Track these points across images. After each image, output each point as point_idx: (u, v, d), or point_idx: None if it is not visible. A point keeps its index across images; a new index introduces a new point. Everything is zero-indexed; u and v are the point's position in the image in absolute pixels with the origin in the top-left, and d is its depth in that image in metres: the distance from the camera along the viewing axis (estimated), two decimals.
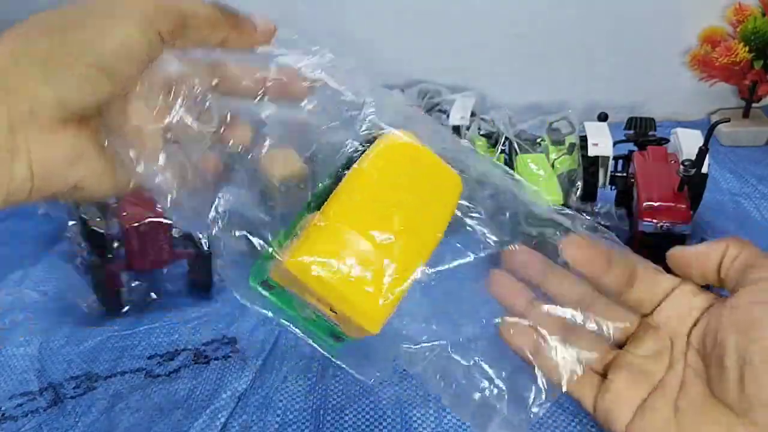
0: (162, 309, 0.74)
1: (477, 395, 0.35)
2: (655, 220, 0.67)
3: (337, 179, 0.34)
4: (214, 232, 0.33)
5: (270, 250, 0.32)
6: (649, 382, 0.33)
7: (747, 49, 0.96)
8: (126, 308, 0.74)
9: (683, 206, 0.68)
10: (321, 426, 0.59)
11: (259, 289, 0.35)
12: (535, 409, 0.35)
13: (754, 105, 1.05)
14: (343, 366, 0.35)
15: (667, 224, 0.67)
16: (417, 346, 0.36)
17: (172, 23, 0.30)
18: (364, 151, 0.34)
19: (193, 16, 0.31)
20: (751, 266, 0.31)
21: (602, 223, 0.74)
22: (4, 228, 0.91)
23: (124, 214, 0.71)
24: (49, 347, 0.70)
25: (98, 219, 0.73)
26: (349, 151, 0.35)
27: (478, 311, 0.37)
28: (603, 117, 0.82)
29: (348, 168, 0.34)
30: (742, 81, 1.01)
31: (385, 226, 0.33)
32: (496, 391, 0.35)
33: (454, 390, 0.35)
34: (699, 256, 0.33)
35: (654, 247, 0.69)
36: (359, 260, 0.32)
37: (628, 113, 0.83)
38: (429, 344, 0.36)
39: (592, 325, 0.35)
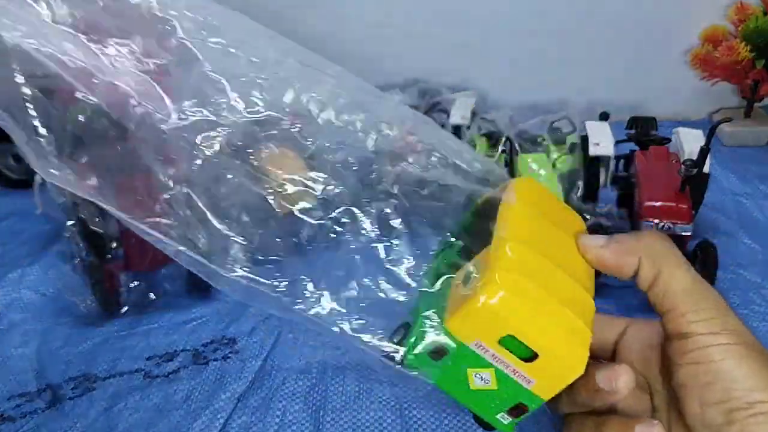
0: (161, 309, 0.74)
1: None
2: (656, 221, 0.67)
3: (479, 216, 0.33)
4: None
5: (460, 291, 0.29)
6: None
7: (749, 48, 0.96)
8: (125, 309, 0.74)
9: (685, 206, 0.67)
10: (320, 426, 0.59)
11: (424, 365, 0.30)
12: None
13: (755, 104, 1.05)
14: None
15: (669, 224, 0.67)
16: None
17: None
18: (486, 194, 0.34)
19: None
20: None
21: (603, 223, 0.74)
22: (2, 228, 0.91)
23: None
24: (47, 348, 0.70)
25: (97, 219, 0.72)
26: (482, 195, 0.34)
27: None
28: (604, 116, 0.82)
29: (485, 208, 0.33)
30: (743, 80, 1.01)
31: (556, 261, 0.30)
32: None
33: None
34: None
35: None
36: (552, 294, 0.29)
37: (629, 113, 0.83)
38: None
39: None
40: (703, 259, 0.68)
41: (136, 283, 0.76)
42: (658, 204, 0.68)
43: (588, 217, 0.75)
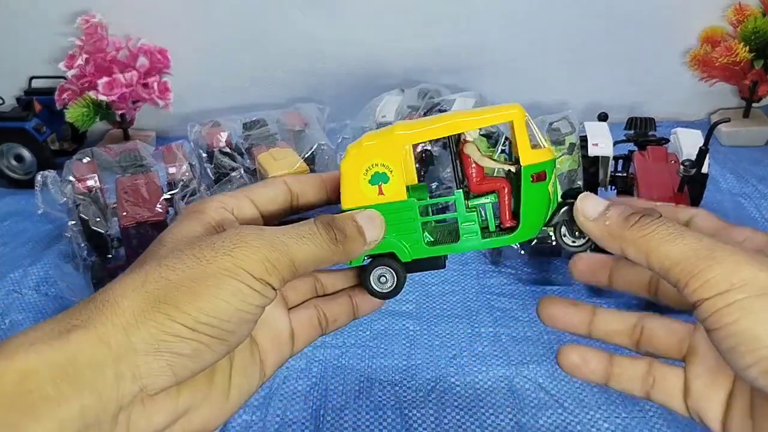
0: None
1: None
2: None
3: None
4: None
5: None
6: (726, 375, 0.33)
7: (747, 49, 0.96)
8: None
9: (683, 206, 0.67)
10: (321, 426, 0.59)
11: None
12: None
13: (754, 105, 1.05)
14: None
15: None
16: None
17: (283, 277, 0.30)
18: None
19: (302, 266, 0.31)
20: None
21: None
22: (4, 228, 0.91)
23: (124, 214, 0.70)
24: None
25: (98, 219, 0.73)
26: None
27: None
28: (603, 117, 0.82)
29: None
30: (742, 81, 1.01)
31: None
32: None
33: None
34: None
35: None
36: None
37: (628, 113, 0.83)
38: None
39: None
40: None
41: None
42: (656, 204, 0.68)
43: None
